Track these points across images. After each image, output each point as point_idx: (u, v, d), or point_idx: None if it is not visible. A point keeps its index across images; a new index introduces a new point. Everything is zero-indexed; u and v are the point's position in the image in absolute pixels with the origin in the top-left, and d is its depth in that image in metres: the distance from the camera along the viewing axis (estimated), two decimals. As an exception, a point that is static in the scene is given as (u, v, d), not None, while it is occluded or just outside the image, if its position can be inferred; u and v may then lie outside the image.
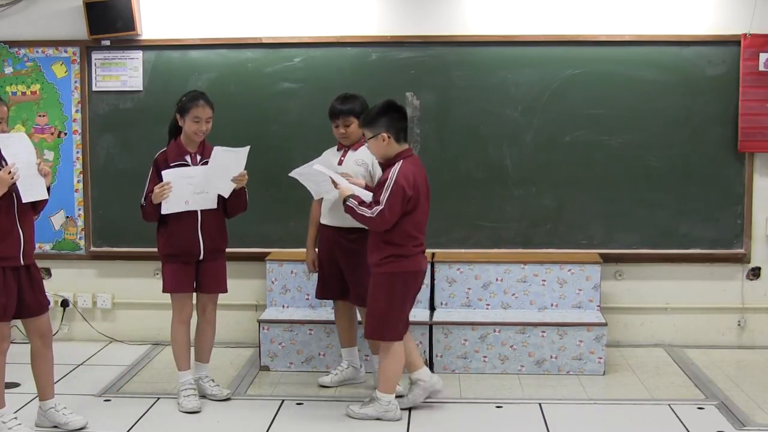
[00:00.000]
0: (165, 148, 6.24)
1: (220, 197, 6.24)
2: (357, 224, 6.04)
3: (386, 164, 5.92)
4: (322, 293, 6.68)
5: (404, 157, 5.88)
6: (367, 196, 5.88)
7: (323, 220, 6.53)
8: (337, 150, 6.51)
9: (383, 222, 5.75)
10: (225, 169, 6.12)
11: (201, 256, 6.24)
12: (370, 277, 6.16)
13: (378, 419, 5.98)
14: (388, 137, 5.83)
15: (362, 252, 6.07)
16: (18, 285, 5.57)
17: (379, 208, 5.73)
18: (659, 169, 7.46)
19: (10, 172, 5.38)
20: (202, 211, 6.19)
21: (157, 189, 6.04)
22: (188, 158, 6.19)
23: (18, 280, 5.57)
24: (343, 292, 6.54)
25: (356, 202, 5.82)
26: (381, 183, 5.84)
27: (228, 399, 6.39)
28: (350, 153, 6.42)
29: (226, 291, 6.48)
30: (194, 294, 6.39)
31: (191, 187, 6.08)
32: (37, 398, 5.93)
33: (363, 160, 6.33)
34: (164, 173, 6.08)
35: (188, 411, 6.16)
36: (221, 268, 6.40)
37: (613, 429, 5.88)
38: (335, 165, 6.37)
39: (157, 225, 6.25)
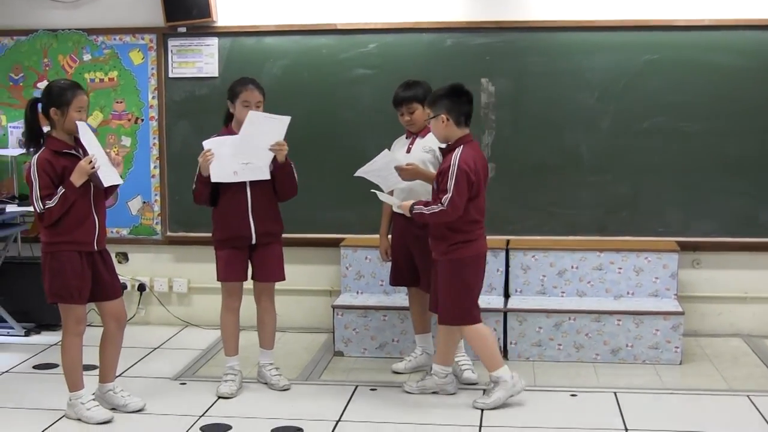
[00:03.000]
0: (216, 134, 6.20)
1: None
2: None
3: (447, 150, 5.94)
4: (395, 280, 6.69)
5: (465, 142, 5.90)
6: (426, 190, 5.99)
7: (398, 210, 6.53)
8: (406, 138, 6.51)
9: (455, 209, 5.75)
10: (262, 136, 6.04)
11: (253, 240, 6.22)
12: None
13: (500, 405, 5.97)
14: (447, 119, 5.86)
15: None
16: (93, 269, 5.69)
17: (448, 195, 5.74)
18: (738, 156, 7.34)
19: (90, 162, 5.53)
20: (252, 192, 6.15)
21: (199, 158, 6.03)
22: None
23: (93, 264, 5.69)
24: (415, 279, 6.53)
25: (422, 206, 5.87)
26: (443, 171, 5.85)
27: (287, 389, 6.38)
28: (418, 140, 6.40)
29: (282, 278, 6.43)
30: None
31: (232, 155, 6.04)
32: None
33: (430, 146, 6.31)
34: (204, 143, 6.08)
35: (222, 396, 6.19)
36: (276, 255, 6.35)
37: (690, 419, 5.79)
38: (403, 153, 6.38)
39: (212, 212, 6.27)
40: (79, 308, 5.69)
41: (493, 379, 6.02)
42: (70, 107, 5.57)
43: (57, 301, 5.66)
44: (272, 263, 6.33)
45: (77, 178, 5.52)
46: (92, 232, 5.67)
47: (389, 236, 6.69)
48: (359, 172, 6.21)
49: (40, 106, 5.68)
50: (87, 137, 5.64)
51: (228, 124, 6.26)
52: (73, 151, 5.63)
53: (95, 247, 5.69)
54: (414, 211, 5.89)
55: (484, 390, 6.14)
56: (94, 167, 5.54)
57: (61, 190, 5.49)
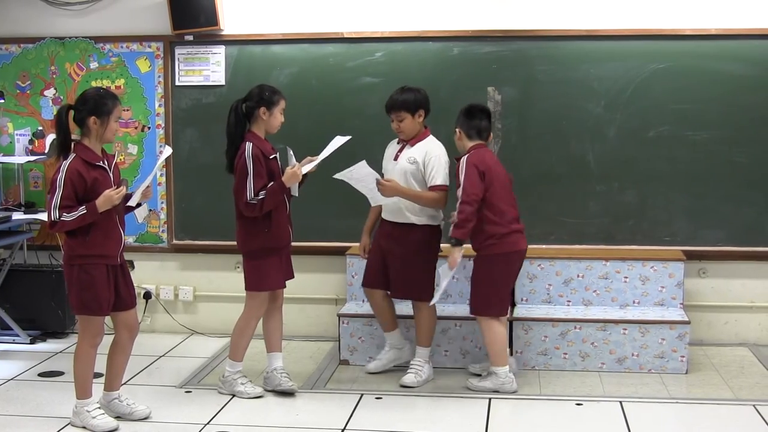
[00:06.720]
0: (251, 143, 6.07)
1: None
2: (415, 221, 6.43)
3: (459, 160, 6.32)
4: (366, 281, 6.77)
5: (472, 150, 6.29)
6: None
7: (384, 215, 6.66)
8: (397, 143, 6.60)
9: (467, 196, 6.14)
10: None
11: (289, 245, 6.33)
12: (412, 269, 6.47)
13: (496, 391, 6.32)
14: (460, 132, 6.38)
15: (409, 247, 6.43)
16: (115, 281, 5.68)
17: (460, 189, 6.17)
18: (745, 165, 7.33)
19: (118, 193, 5.52)
20: (288, 200, 6.21)
21: (296, 170, 6.00)
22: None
23: (115, 276, 5.69)
24: (385, 282, 6.64)
25: (453, 226, 6.20)
26: (456, 176, 6.27)
27: (292, 393, 6.36)
28: (406, 149, 6.48)
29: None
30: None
31: None
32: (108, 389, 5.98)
33: (414, 158, 6.40)
34: (292, 157, 6.09)
35: (256, 396, 6.25)
36: (289, 254, 6.42)
37: (696, 429, 5.79)
38: (391, 160, 6.54)
39: (246, 222, 6.14)
40: (100, 320, 5.70)
41: (491, 370, 6.37)
42: (110, 117, 5.56)
43: (85, 313, 5.63)
44: (290, 262, 6.42)
45: (102, 205, 5.46)
46: (119, 245, 5.68)
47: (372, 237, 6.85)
48: (338, 175, 6.29)
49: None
50: (158, 163, 6.03)
51: (250, 132, 6.14)
52: (101, 163, 5.60)
53: (119, 260, 5.70)
54: (455, 240, 6.20)
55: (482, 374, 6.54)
56: (120, 198, 5.55)
57: (82, 210, 5.44)
